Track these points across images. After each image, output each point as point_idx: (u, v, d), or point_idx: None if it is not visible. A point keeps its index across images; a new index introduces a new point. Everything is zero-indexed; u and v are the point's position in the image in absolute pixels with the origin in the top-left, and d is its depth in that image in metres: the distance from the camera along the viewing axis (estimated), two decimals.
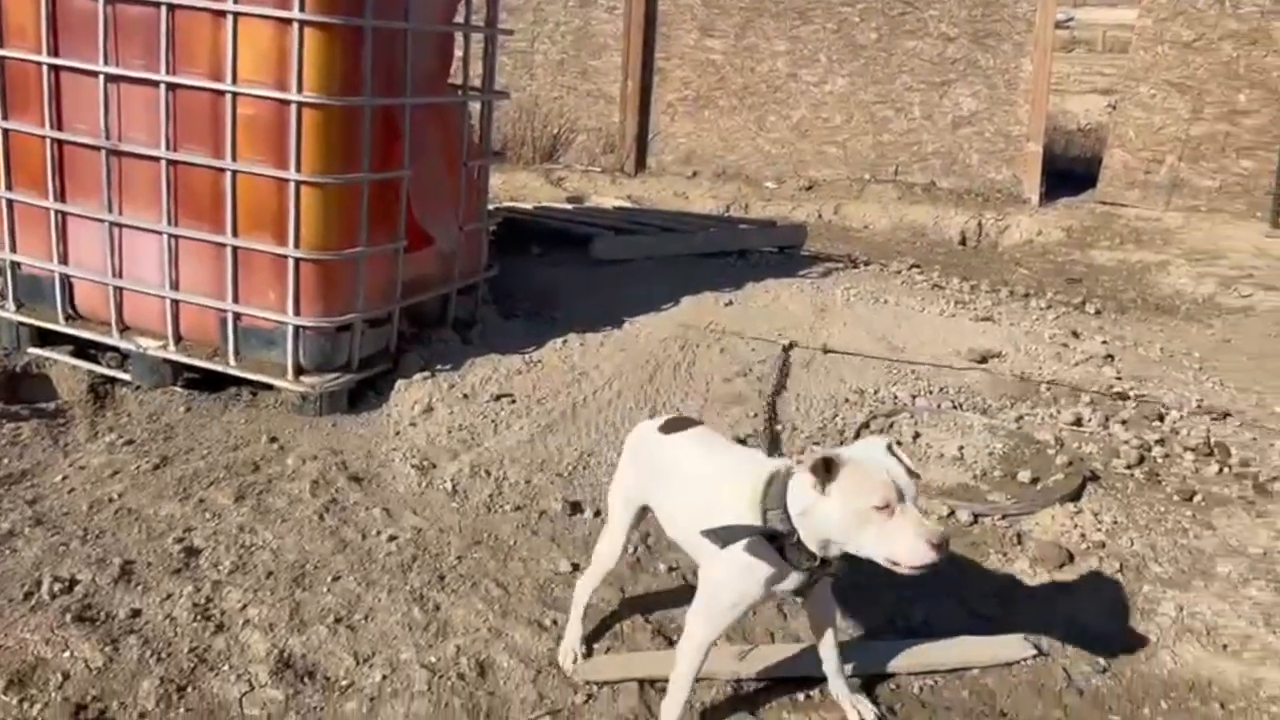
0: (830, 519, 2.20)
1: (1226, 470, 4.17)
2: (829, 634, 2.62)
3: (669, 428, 2.72)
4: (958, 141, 9.65)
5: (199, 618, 2.89)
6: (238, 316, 4.24)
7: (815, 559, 2.29)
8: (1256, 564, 3.52)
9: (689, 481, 2.53)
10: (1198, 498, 3.93)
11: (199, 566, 3.15)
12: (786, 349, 5.07)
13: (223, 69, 3.97)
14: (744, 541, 2.28)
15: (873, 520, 2.16)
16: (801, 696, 2.74)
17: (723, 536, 2.29)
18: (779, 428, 4.29)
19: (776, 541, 2.28)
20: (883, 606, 3.15)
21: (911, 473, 2.22)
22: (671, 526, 2.62)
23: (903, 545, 2.14)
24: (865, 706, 2.65)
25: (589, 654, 2.84)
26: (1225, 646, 3.06)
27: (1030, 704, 2.77)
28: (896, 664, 2.86)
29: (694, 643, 2.42)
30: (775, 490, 2.31)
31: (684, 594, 3.13)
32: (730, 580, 2.35)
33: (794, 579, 2.34)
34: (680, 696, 2.44)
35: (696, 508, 2.43)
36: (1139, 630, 3.10)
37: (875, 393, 4.69)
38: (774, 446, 4.13)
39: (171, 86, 4.06)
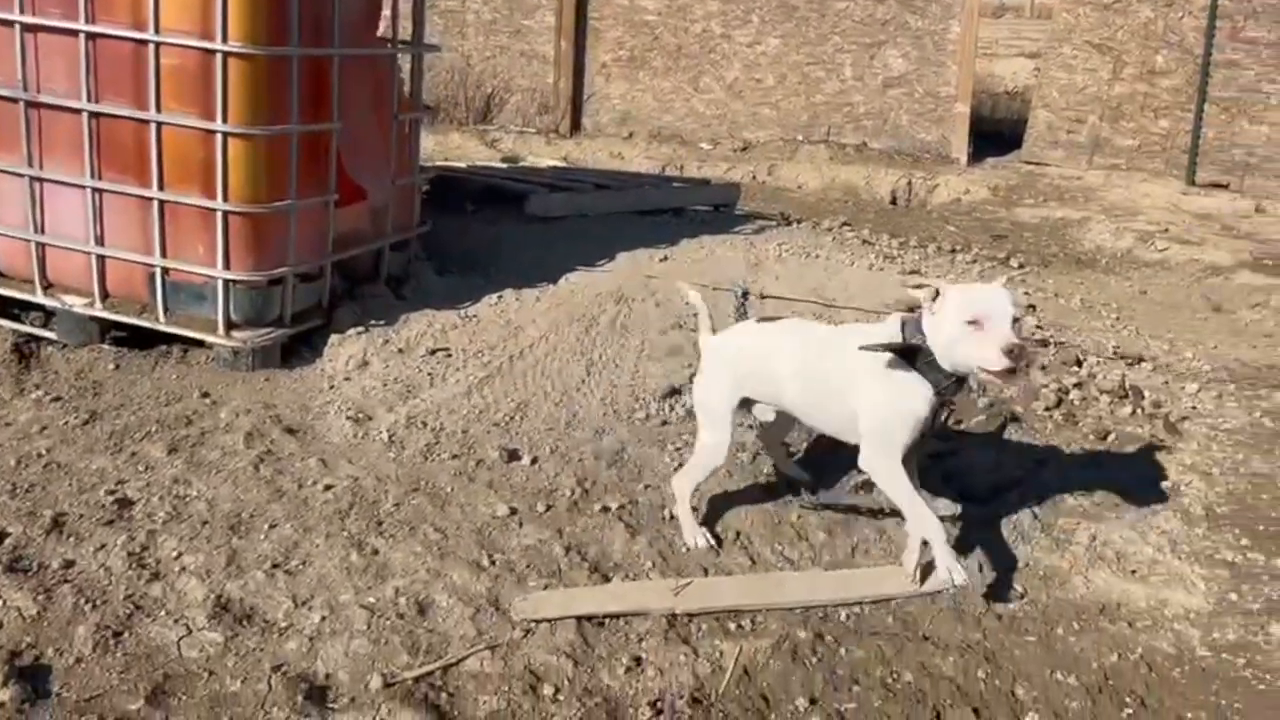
0: (941, 331, 2.74)
1: (1139, 411, 4.35)
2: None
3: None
4: (888, 103, 9.79)
5: (134, 566, 2.88)
6: (166, 272, 4.18)
7: (945, 376, 2.79)
8: (1165, 496, 3.69)
9: (827, 349, 3.01)
10: (1112, 437, 4.10)
11: (133, 517, 3.13)
12: (743, 297, 5.14)
13: (145, 18, 3.89)
14: (892, 358, 2.81)
15: (967, 333, 2.68)
16: (733, 626, 2.83)
17: (877, 349, 2.82)
18: None
19: (915, 359, 2.80)
20: (811, 543, 3.26)
21: (1014, 304, 2.70)
22: (806, 402, 3.07)
23: (984, 352, 2.64)
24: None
25: (719, 542, 3.19)
26: (1134, 571, 3.22)
27: (951, 628, 2.89)
28: (826, 593, 2.96)
29: (889, 474, 2.89)
30: (910, 324, 2.85)
31: (620, 534, 3.21)
32: (891, 398, 2.85)
33: (931, 400, 2.83)
34: (922, 513, 2.89)
35: (845, 370, 2.92)
36: (1054, 558, 3.25)
37: None
38: None
39: (91, 36, 3.97)
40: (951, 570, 2.90)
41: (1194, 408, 4.46)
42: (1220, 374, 4.90)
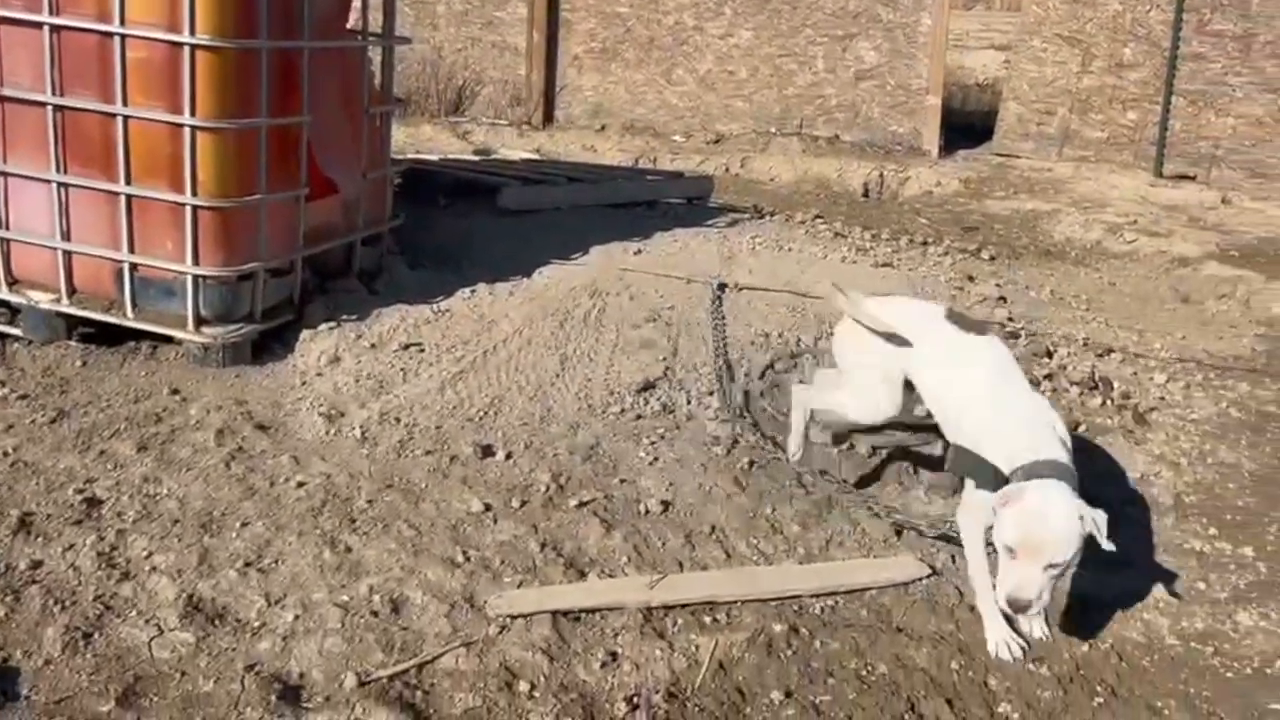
0: None
1: (1109, 402, 4.40)
2: None
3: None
4: (860, 95, 9.82)
5: (104, 566, 2.85)
6: (134, 267, 4.13)
7: None
8: (1134, 487, 3.74)
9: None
10: (1082, 428, 4.14)
11: (102, 517, 3.10)
12: (720, 289, 5.12)
13: (110, 10, 3.83)
14: None
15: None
16: (709, 620, 2.84)
17: None
18: (679, 371, 4.37)
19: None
20: (786, 536, 3.27)
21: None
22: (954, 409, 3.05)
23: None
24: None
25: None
26: (1104, 562, 3.25)
27: (924, 619, 2.91)
28: (798, 585, 2.97)
29: (969, 535, 2.93)
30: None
31: (595, 529, 3.21)
32: None
33: None
34: (981, 583, 2.88)
35: None
36: None
37: (779, 336, 4.80)
38: (730, 377, 4.20)
39: (56, 29, 3.91)
40: (998, 646, 2.80)
41: (1162, 398, 4.52)
42: (1188, 365, 4.96)
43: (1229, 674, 2.81)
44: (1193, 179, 8.69)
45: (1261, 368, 5.01)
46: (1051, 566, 2.54)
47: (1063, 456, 2.71)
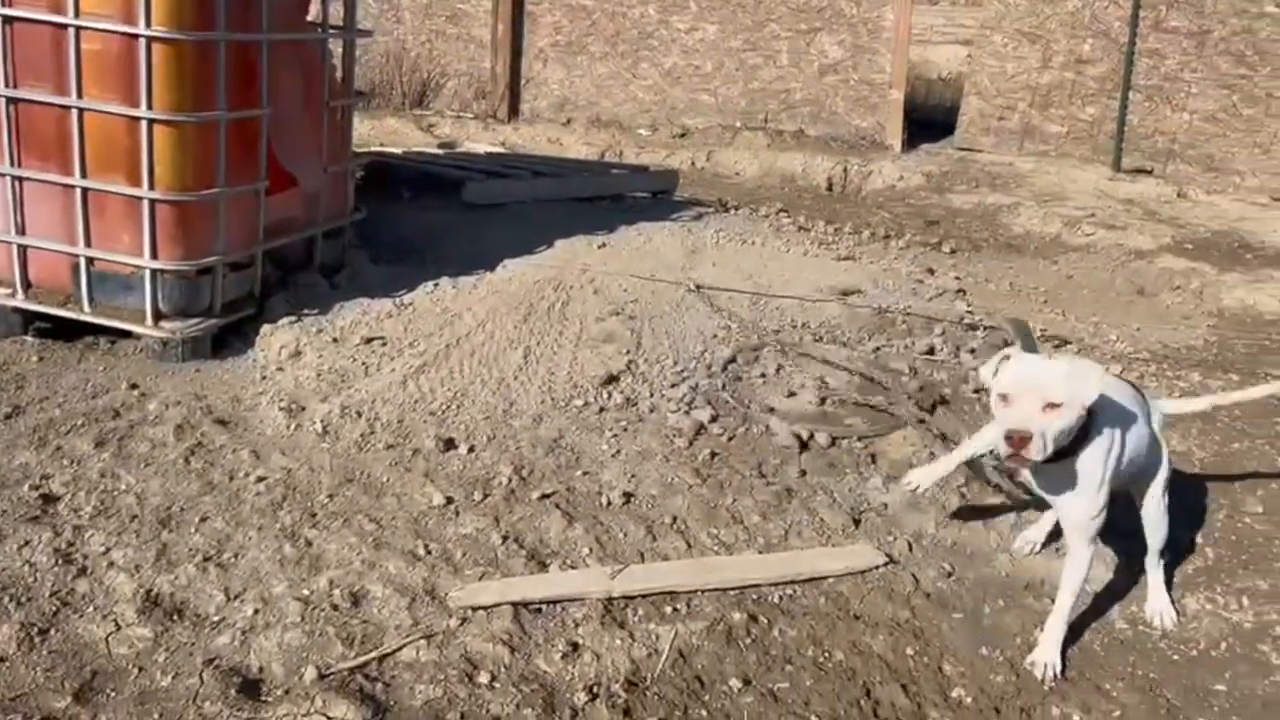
0: None
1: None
2: None
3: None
4: (824, 89, 9.88)
5: (60, 562, 2.83)
6: (91, 261, 4.09)
7: None
8: None
9: None
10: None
11: (58, 513, 3.07)
12: (696, 289, 5.13)
13: (64, 1, 3.79)
14: None
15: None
16: (669, 610, 2.87)
17: None
18: (642, 364, 4.39)
19: None
20: (746, 526, 3.30)
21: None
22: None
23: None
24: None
25: None
26: (1057, 549, 3.31)
27: (881, 606, 2.96)
28: (757, 574, 3.01)
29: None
30: None
31: (557, 521, 3.22)
32: None
33: None
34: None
35: None
36: (980, 537, 3.33)
37: (742, 328, 4.83)
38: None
39: (9, 20, 3.87)
40: (1037, 661, 2.75)
41: None
42: (1142, 355, 5.05)
43: (1175, 656, 2.87)
44: (1149, 173, 8.83)
45: (1212, 358, 5.12)
46: (1051, 407, 2.49)
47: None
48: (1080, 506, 2.72)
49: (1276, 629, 3.01)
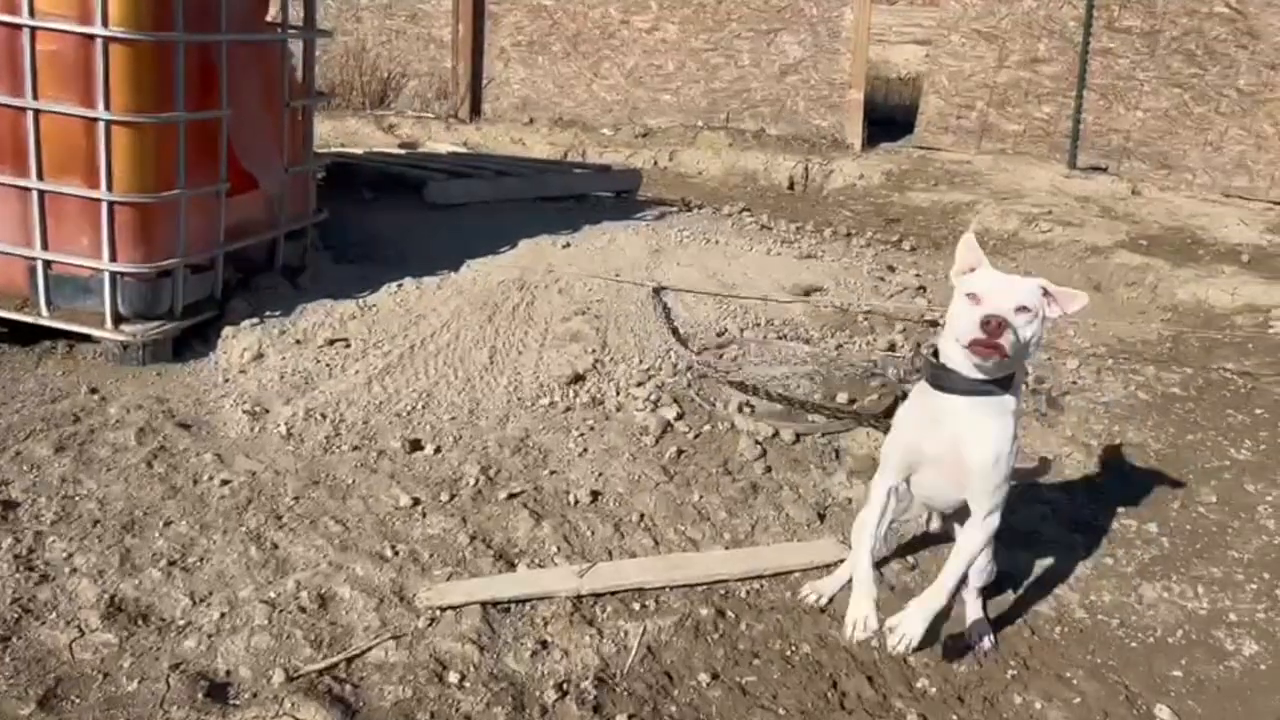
0: None
1: (1023, 387, 4.54)
2: None
3: None
4: (785, 89, 9.94)
5: (21, 569, 2.80)
6: (48, 264, 4.04)
7: None
8: (1046, 468, 3.87)
9: None
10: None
11: (18, 519, 3.03)
12: (657, 291, 5.13)
13: (18, 1, 3.74)
14: None
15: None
16: (637, 606, 2.89)
17: None
18: (608, 363, 4.41)
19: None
20: (713, 523, 3.33)
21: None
22: None
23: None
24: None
25: None
26: (1017, 541, 3.37)
27: (846, 599, 2.98)
28: (724, 570, 3.04)
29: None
30: None
31: (525, 520, 3.23)
32: None
33: None
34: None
35: None
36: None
37: (707, 327, 4.86)
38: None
39: None
40: (855, 624, 2.66)
41: (1075, 383, 4.68)
42: (1099, 350, 5.14)
43: (1133, 644, 2.94)
44: (1104, 170, 8.97)
45: (1167, 352, 5.22)
46: (1022, 310, 2.44)
47: None
48: (989, 454, 2.55)
49: (1231, 615, 3.08)
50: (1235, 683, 2.80)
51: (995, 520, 2.64)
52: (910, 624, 2.59)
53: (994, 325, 2.39)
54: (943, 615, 2.71)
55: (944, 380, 2.57)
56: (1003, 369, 2.51)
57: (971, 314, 2.44)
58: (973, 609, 2.92)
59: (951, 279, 2.60)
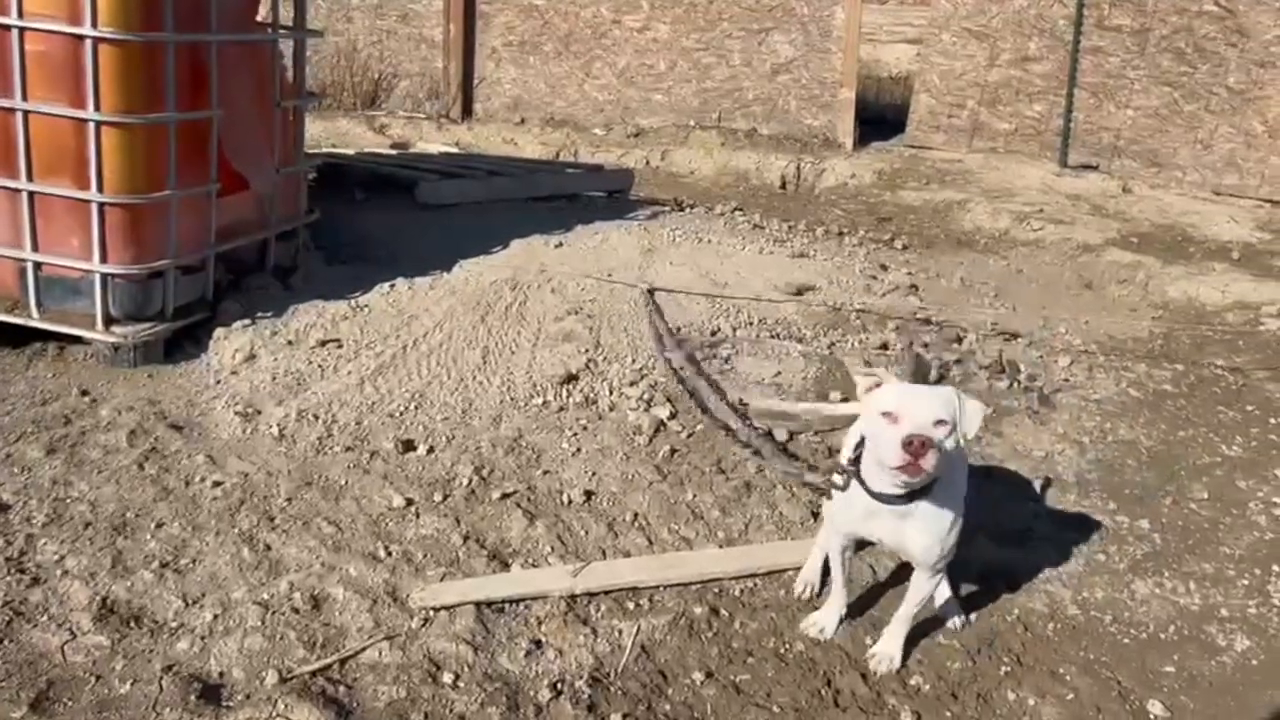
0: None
1: (1015, 385, 4.55)
2: None
3: None
4: (777, 88, 9.95)
5: (12, 572, 2.79)
6: (39, 266, 4.03)
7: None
8: (1039, 465, 3.89)
9: None
10: (990, 409, 4.28)
11: (9, 522, 3.02)
12: (650, 292, 5.13)
13: (6, 2, 3.72)
14: None
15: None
16: (631, 605, 2.89)
17: None
18: (601, 363, 4.41)
19: None
20: (706, 521, 3.33)
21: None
22: None
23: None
24: None
25: None
26: (1013, 538, 3.38)
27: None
28: (718, 569, 3.04)
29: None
30: None
31: (518, 520, 3.23)
32: None
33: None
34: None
35: None
36: None
37: (699, 326, 4.86)
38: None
39: None
40: (814, 624, 2.83)
41: (1067, 380, 4.69)
42: (1090, 347, 5.15)
43: (1126, 640, 2.95)
44: (1095, 168, 8.99)
45: (1158, 349, 5.24)
46: (940, 423, 2.39)
47: None
48: (933, 549, 2.57)
49: (1222, 611, 3.09)
50: (1227, 678, 2.81)
51: (943, 567, 2.68)
52: (888, 647, 2.74)
53: (917, 445, 2.33)
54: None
55: (873, 491, 2.54)
56: (929, 479, 2.45)
57: (893, 435, 2.37)
58: (941, 592, 2.94)
59: (860, 397, 2.54)
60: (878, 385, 2.52)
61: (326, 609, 2.77)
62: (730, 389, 4.18)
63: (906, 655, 2.77)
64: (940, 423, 2.39)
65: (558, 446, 3.71)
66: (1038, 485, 3.72)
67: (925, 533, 2.56)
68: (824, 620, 2.85)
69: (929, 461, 2.35)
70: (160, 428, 3.63)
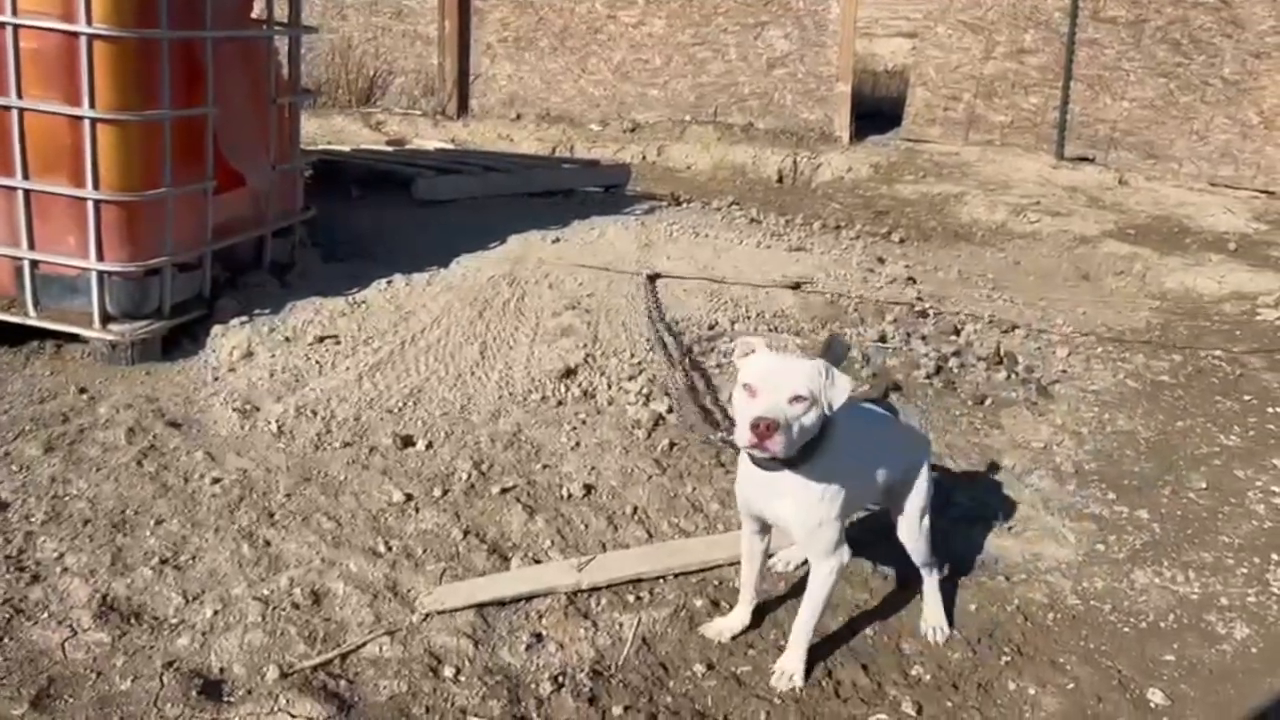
0: None
1: (1013, 376, 4.56)
2: None
3: None
4: (772, 83, 9.94)
5: (12, 569, 2.78)
6: (35, 264, 4.02)
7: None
8: (1038, 456, 3.89)
9: None
10: (988, 401, 4.28)
11: (8, 520, 3.02)
12: (652, 278, 5.13)
13: None
14: None
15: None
16: (632, 598, 2.89)
17: None
18: (599, 357, 4.41)
19: None
20: (706, 514, 3.33)
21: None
22: None
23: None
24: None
25: None
26: (1010, 529, 3.39)
27: (839, 589, 2.97)
28: (722, 554, 3.04)
29: None
30: None
31: (518, 514, 3.23)
32: None
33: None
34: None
35: None
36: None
37: (697, 320, 4.86)
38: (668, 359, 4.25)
39: None
40: (717, 630, 2.78)
41: (1064, 371, 4.70)
42: (1088, 338, 5.16)
43: (1126, 629, 2.95)
44: (1091, 161, 9.00)
45: (1156, 340, 5.24)
46: (797, 400, 2.35)
47: None
48: (802, 519, 2.53)
49: (1222, 600, 3.10)
50: (1227, 666, 2.82)
51: (835, 562, 2.58)
52: (788, 663, 2.64)
53: (762, 428, 2.31)
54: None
55: (753, 458, 2.51)
56: (792, 451, 2.41)
57: (745, 411, 2.36)
58: (931, 599, 2.91)
59: (735, 363, 2.52)
60: (751, 353, 2.48)
61: (327, 604, 2.77)
62: (730, 381, 4.18)
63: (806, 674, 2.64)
64: (798, 399, 2.35)
65: (557, 441, 3.71)
66: (1036, 476, 3.72)
67: (794, 502, 2.51)
68: (725, 625, 2.77)
69: (775, 444, 2.32)
70: (158, 425, 3.63)
